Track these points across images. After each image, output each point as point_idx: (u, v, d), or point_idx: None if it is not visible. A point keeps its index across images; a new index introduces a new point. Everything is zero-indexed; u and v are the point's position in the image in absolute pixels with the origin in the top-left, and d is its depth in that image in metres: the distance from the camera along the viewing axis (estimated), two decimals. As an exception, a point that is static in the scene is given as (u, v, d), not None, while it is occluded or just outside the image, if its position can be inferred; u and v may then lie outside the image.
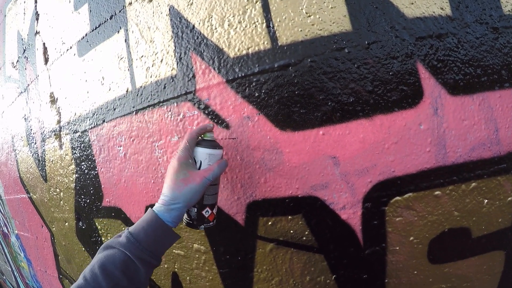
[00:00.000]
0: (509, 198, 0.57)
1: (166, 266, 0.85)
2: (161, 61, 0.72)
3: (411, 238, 0.58)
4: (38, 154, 1.19)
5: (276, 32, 0.57)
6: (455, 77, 0.55)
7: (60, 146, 1.05)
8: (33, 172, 1.24)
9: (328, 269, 0.62)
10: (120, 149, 0.83)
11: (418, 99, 0.54)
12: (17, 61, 1.24)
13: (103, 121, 0.86)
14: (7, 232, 1.81)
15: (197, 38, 0.65)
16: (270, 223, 0.63)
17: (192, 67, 0.66)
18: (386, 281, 0.60)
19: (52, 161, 1.11)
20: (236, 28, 0.60)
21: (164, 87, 0.72)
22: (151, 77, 0.74)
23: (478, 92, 0.55)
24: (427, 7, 0.55)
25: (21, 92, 1.23)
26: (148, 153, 0.78)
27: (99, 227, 0.99)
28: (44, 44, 1.06)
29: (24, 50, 1.17)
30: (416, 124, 0.54)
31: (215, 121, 0.65)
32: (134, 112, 0.79)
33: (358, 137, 0.55)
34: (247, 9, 0.59)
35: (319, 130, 0.56)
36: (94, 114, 0.89)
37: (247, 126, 0.61)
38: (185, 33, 0.68)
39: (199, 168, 0.56)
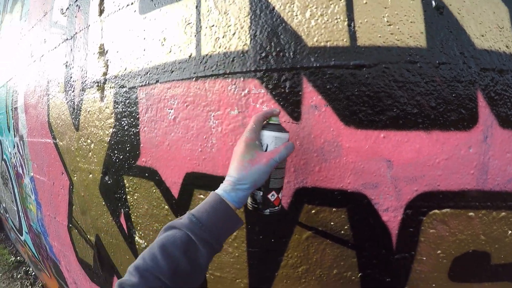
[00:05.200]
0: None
1: None
2: (233, 34, 0.68)
3: (439, 252, 0.58)
4: (74, 102, 1.14)
5: (357, 33, 0.56)
6: (507, 111, 0.57)
7: (101, 98, 1.01)
8: (65, 119, 1.19)
9: (356, 266, 0.61)
10: (170, 112, 0.80)
11: (472, 124, 0.56)
12: (67, 8, 1.18)
13: (157, 81, 0.82)
14: (21, 173, 1.75)
15: (276, 20, 0.62)
16: (313, 211, 0.61)
17: (267, 47, 0.63)
18: (406, 289, 0.60)
19: (89, 112, 1.07)
20: (317, 19, 0.58)
21: (233, 60, 0.68)
22: (219, 47, 0.70)
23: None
24: (495, 42, 0.57)
25: (67, 39, 1.17)
26: (202, 121, 0.75)
27: (127, 184, 0.96)
28: (102, -5, 1.01)
29: (78, -2, 1.11)
30: (466, 146, 0.56)
31: (282, 103, 0.62)
32: (194, 78, 0.75)
33: (414, 147, 0.56)
34: (330, 4, 0.58)
35: (380, 133, 0.57)
36: (147, 73, 0.85)
37: (313, 114, 0.60)
38: (264, 13, 0.64)
39: (265, 151, 0.53)
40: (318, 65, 0.58)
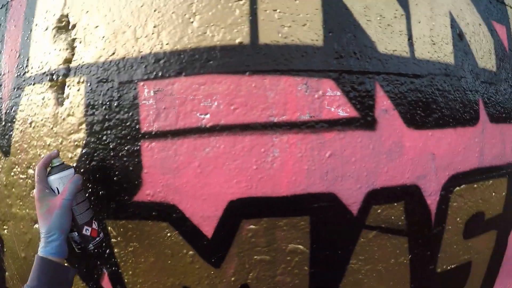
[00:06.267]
0: (503, 193, 0.80)
1: (233, 279, 0.59)
2: (304, 25, 0.56)
3: (458, 219, 0.71)
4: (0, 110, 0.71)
5: (414, 46, 0.65)
6: (493, 111, 0.77)
7: (58, 101, 0.64)
8: (-22, 137, 0.74)
9: (407, 251, 0.65)
10: (204, 118, 0.53)
11: (476, 121, 0.73)
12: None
13: (180, 73, 0.54)
14: None
15: (349, 20, 0.60)
16: (379, 210, 0.62)
17: (343, 46, 0.58)
18: (439, 256, 0.69)
19: (32, 123, 0.67)
20: (385, 29, 0.62)
21: (303, 56, 0.55)
22: (285, 38, 0.55)
23: (501, 123, 0.79)
24: (487, 63, 0.78)
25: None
26: (259, 129, 0.52)
27: (113, 233, 0.62)
28: None
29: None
30: (473, 137, 0.72)
31: (357, 107, 0.58)
32: (247, 73, 0.52)
33: (447, 141, 0.68)
34: (396, 17, 0.63)
35: (429, 132, 0.65)
36: (159, 60, 0.56)
37: (383, 118, 0.61)
38: (336, 8, 0.59)
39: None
40: (388, 71, 0.61)
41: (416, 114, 0.64)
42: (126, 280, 0.64)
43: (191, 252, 0.59)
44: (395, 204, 0.63)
